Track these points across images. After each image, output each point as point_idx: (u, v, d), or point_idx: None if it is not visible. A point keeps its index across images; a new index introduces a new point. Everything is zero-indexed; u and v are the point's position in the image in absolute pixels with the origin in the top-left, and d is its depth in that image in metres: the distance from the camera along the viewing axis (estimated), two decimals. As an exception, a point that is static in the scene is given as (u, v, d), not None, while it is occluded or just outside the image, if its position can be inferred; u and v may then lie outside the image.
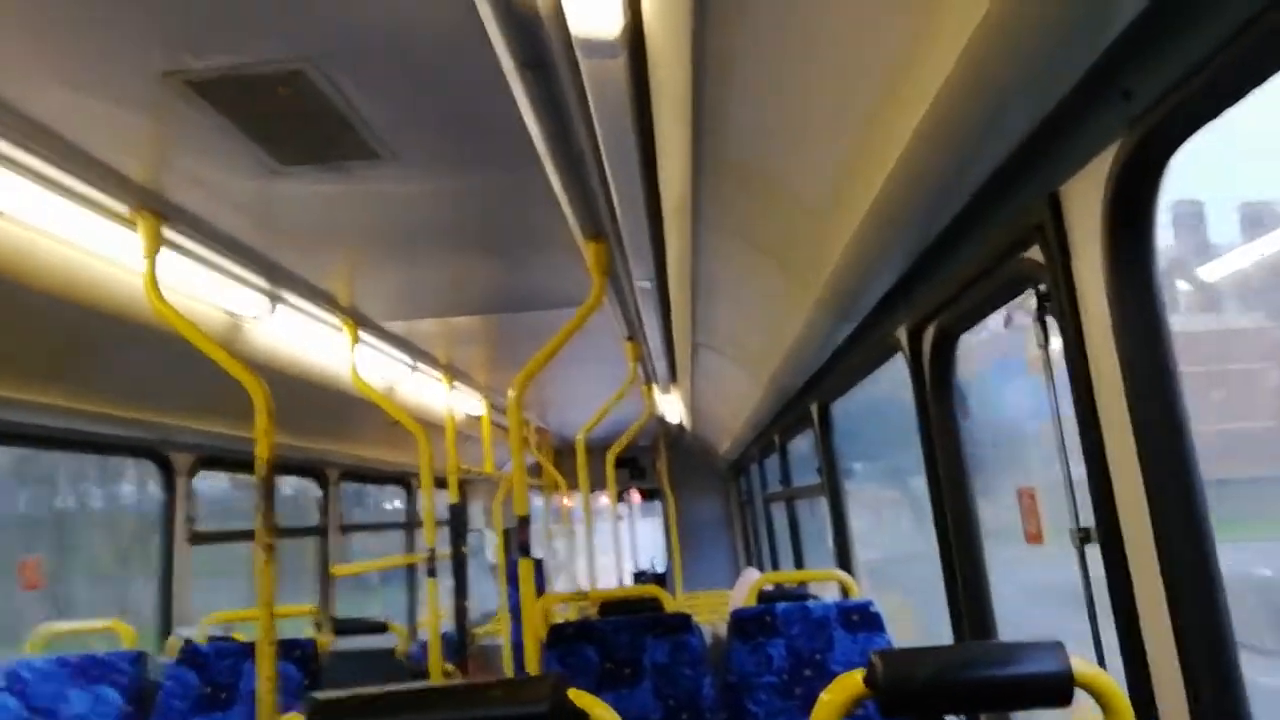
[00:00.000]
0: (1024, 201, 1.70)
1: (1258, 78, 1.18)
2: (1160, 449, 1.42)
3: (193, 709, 3.20)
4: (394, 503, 8.00)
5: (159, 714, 3.19)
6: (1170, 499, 1.41)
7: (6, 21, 1.66)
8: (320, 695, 1.20)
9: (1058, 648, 1.20)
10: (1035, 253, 1.72)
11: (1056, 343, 1.76)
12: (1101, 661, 1.73)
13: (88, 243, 2.63)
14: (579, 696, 1.23)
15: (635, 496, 11.70)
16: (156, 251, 2.57)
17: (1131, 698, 1.53)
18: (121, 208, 2.45)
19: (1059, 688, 1.18)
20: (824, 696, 1.24)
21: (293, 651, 3.25)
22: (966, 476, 2.47)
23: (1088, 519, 1.69)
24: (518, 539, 3.14)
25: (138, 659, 3.35)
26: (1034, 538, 2.01)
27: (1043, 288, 1.79)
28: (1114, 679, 1.24)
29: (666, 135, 2.01)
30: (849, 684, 1.24)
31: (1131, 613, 1.53)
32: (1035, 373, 1.86)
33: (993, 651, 1.31)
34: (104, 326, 2.94)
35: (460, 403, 5.96)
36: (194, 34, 1.74)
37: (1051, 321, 1.78)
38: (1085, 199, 1.51)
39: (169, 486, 4.33)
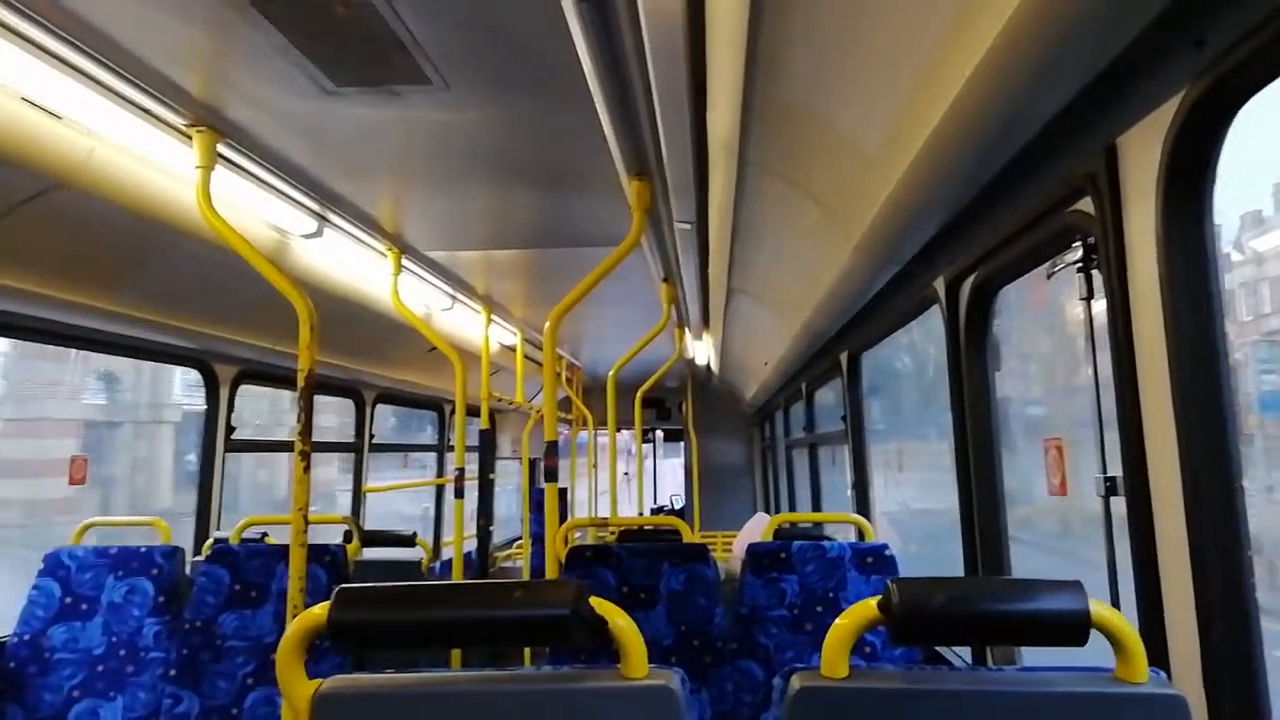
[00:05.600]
0: (1079, 152, 1.68)
1: None
2: (1198, 407, 1.43)
3: (224, 604, 3.35)
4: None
5: (191, 608, 3.35)
6: (1203, 456, 1.42)
7: None
8: (348, 585, 1.21)
9: (1077, 587, 1.19)
10: (1085, 204, 1.72)
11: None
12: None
13: (146, 153, 2.70)
14: (600, 605, 1.23)
15: (658, 435, 11.85)
16: (211, 166, 2.63)
17: (1145, 644, 1.58)
18: (179, 120, 2.51)
19: (1076, 626, 1.17)
20: (840, 620, 1.25)
21: (322, 556, 3.38)
22: (994, 429, 2.49)
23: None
24: (545, 464, 3.21)
25: (172, 553, 3.50)
26: (1058, 490, 2.04)
27: (1091, 240, 1.78)
28: (1131, 624, 1.26)
29: (719, 73, 2.01)
30: (864, 610, 1.24)
31: (1151, 563, 1.56)
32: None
33: (1010, 586, 1.31)
34: (159, 237, 3.02)
35: (495, 334, 6.04)
36: None
37: (1096, 276, 1.79)
38: (1143, 152, 1.50)
39: (212, 395, 4.48)
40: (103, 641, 3.35)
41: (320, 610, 1.20)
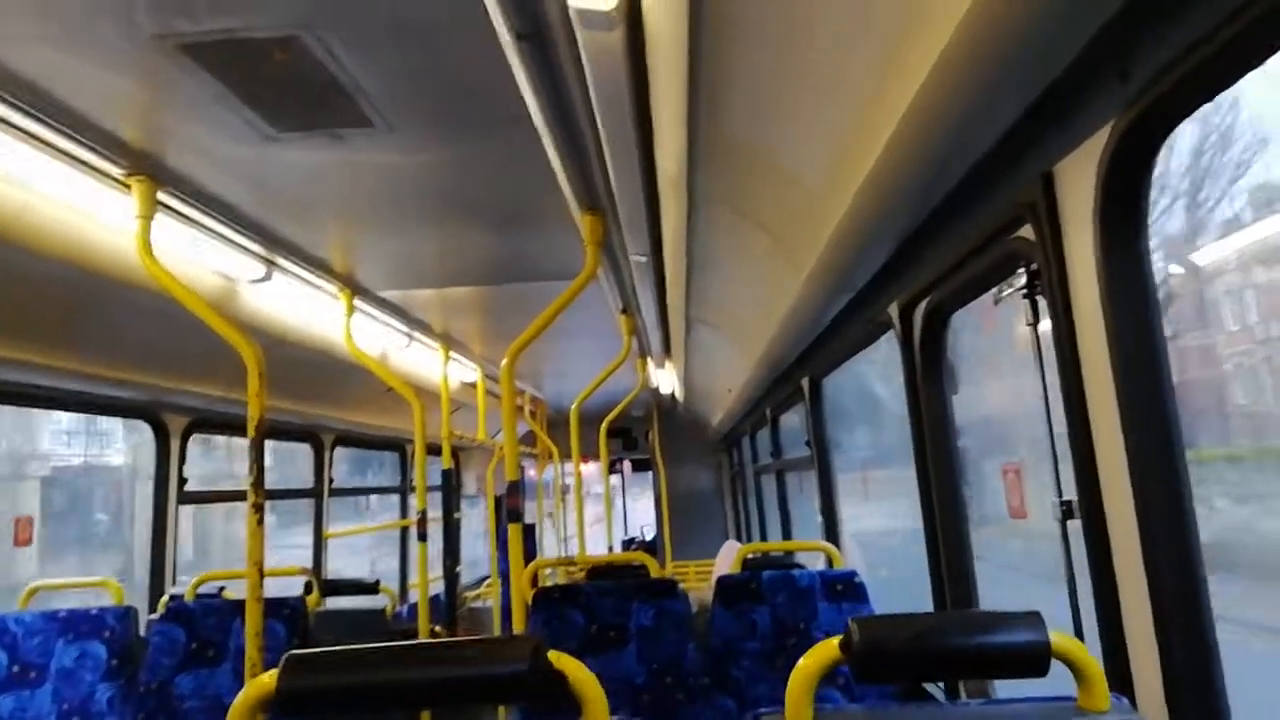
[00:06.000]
0: (1017, 180, 1.70)
1: (1255, 60, 1.19)
2: (1145, 427, 1.44)
3: (180, 665, 3.24)
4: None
5: (146, 669, 3.22)
6: (1153, 476, 1.43)
7: None
8: (298, 651, 1.17)
9: (1036, 619, 1.20)
10: (1027, 231, 1.74)
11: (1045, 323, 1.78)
12: (1079, 635, 1.76)
13: (83, 205, 2.63)
14: (559, 658, 1.20)
15: (626, 465, 11.77)
16: (151, 215, 2.57)
17: (1107, 669, 1.57)
18: (116, 171, 2.45)
19: (1036, 658, 1.17)
20: (801, 662, 1.24)
21: (281, 610, 3.29)
22: (954, 452, 2.50)
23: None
24: (508, 504, 3.16)
25: (125, 615, 3.38)
26: (1018, 513, 2.04)
27: (1034, 266, 1.80)
28: (1091, 652, 1.25)
29: (663, 109, 2.00)
30: (826, 650, 1.24)
31: (1110, 587, 1.56)
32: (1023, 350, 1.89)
33: (970, 620, 1.31)
34: (101, 289, 2.94)
35: (455, 371, 5.98)
36: None
37: (1041, 301, 1.80)
38: (1078, 179, 1.52)
39: (163, 447, 4.36)
40: (53, 710, 3.21)
41: (269, 679, 1.15)
